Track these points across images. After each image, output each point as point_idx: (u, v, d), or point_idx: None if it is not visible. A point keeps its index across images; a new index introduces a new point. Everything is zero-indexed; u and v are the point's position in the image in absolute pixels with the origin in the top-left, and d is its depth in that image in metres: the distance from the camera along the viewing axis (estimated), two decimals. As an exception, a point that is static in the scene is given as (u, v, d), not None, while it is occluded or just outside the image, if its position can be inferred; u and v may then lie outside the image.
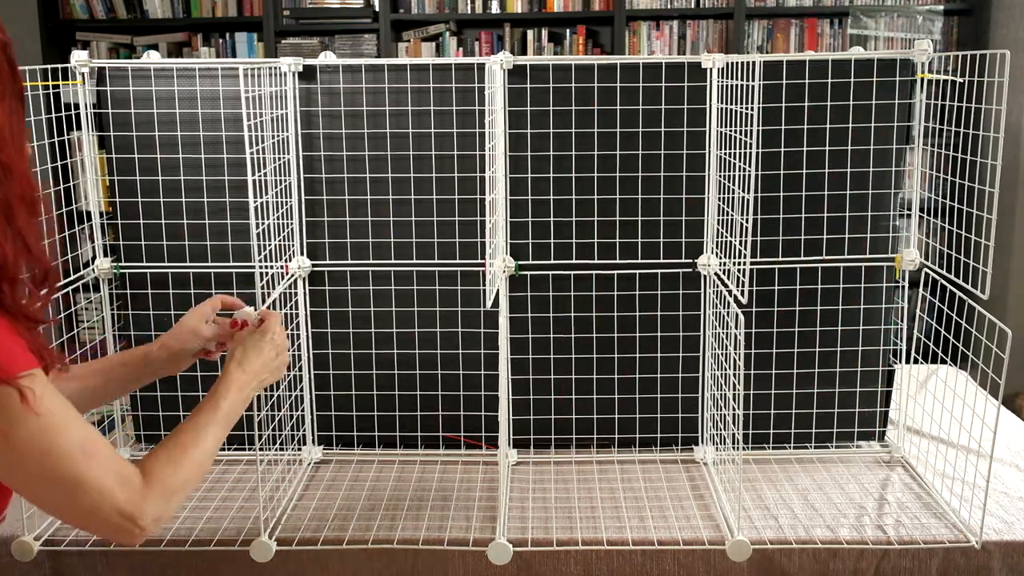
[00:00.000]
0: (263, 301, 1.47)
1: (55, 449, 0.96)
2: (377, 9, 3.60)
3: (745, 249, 1.52)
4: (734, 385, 1.57)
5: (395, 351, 1.88)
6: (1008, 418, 2.03)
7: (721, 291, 1.69)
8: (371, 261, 1.85)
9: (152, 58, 1.76)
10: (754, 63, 1.52)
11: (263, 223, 1.55)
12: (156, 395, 1.89)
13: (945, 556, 1.52)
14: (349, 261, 1.85)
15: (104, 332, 1.80)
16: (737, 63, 1.62)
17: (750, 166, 1.48)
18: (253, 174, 1.43)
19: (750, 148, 1.47)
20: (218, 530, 1.59)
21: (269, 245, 1.60)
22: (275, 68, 1.73)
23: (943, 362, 1.99)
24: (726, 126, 1.69)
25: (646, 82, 1.78)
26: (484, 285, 1.83)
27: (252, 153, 1.46)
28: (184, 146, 1.80)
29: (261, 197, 1.55)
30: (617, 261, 1.84)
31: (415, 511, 1.66)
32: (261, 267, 1.49)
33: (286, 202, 1.76)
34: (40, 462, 0.96)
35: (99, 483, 0.99)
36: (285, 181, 1.76)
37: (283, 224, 1.74)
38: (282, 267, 1.74)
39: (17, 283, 0.97)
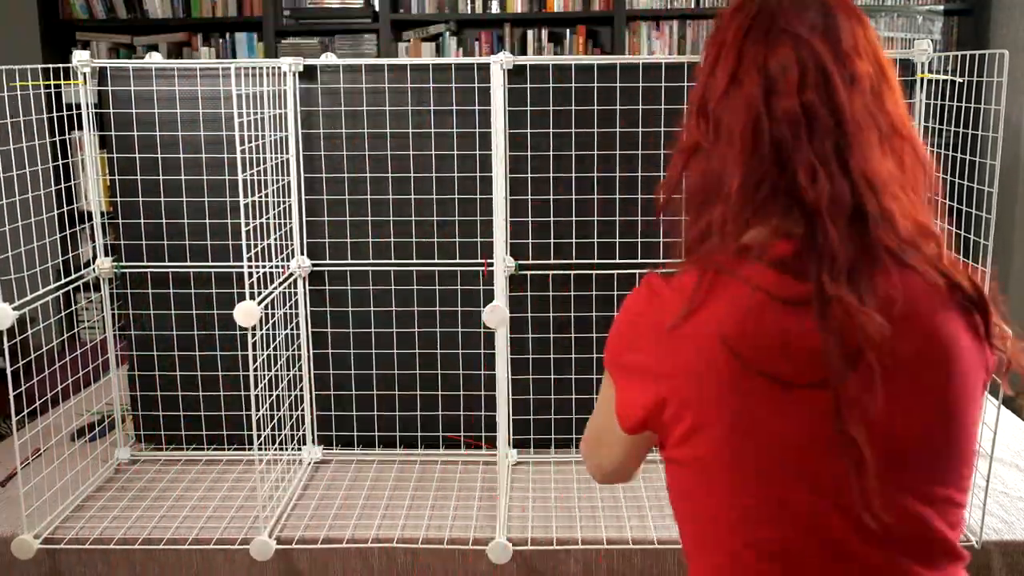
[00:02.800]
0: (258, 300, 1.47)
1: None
2: (377, 9, 3.60)
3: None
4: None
5: (395, 351, 1.88)
6: (1008, 418, 2.03)
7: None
8: (371, 261, 1.85)
9: (154, 59, 1.77)
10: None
11: (252, 222, 1.54)
12: (156, 395, 1.89)
13: (945, 556, 1.52)
14: (349, 261, 1.85)
15: (104, 332, 1.80)
16: (737, 63, 1.61)
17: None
18: (243, 172, 1.43)
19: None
20: (218, 529, 1.59)
21: (261, 244, 1.60)
22: (276, 68, 1.74)
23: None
24: (726, 126, 1.69)
25: (646, 82, 1.78)
26: (483, 284, 1.83)
27: (242, 151, 1.46)
28: (185, 146, 1.80)
29: (252, 196, 1.55)
30: (617, 261, 1.84)
31: (415, 511, 1.66)
32: (250, 266, 1.49)
33: (283, 201, 1.76)
34: None
35: None
36: (284, 180, 1.76)
37: (281, 223, 1.75)
38: (280, 267, 1.74)
39: None
